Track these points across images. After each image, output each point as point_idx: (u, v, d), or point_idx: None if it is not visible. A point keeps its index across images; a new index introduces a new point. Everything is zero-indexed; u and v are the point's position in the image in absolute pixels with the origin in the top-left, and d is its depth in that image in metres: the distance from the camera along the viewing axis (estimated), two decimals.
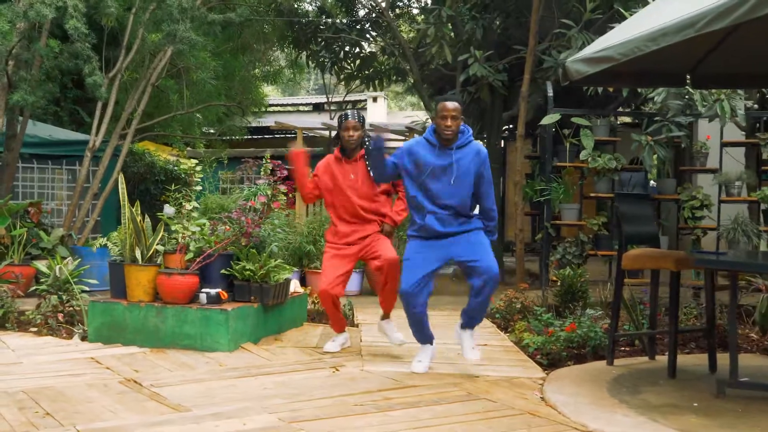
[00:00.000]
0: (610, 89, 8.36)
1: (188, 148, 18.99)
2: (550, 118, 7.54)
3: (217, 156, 12.99)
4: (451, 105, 4.70)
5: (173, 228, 5.68)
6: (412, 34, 13.31)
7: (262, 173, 10.06)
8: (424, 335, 5.00)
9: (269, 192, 5.76)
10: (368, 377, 4.72)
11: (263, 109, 14.84)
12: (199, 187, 5.81)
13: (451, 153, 4.76)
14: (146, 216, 5.93)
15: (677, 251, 5.80)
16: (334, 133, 6.03)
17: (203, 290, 5.62)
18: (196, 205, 5.71)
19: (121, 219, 5.80)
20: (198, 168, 5.72)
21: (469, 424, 3.77)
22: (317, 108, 27.10)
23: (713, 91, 6.82)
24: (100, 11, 8.11)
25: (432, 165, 4.75)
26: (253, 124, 16.12)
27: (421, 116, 14.67)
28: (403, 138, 14.08)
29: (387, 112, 28.07)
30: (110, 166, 9.88)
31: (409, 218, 4.95)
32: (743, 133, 8.76)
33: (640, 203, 5.71)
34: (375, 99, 25.86)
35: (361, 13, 13.39)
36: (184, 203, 5.58)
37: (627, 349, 5.97)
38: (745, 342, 6.15)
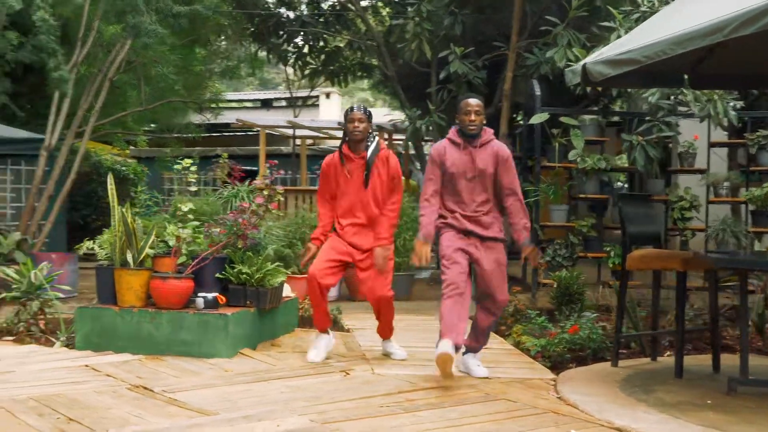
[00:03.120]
0: (598, 89, 8.77)
1: (131, 147, 19.01)
2: (538, 117, 7.90)
3: (176, 154, 13.09)
4: (474, 101, 5.18)
5: (167, 230, 5.84)
6: (379, 29, 13.60)
7: (217, 175, 10.19)
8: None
9: (266, 192, 5.96)
10: (383, 380, 4.98)
11: (219, 105, 14.96)
12: (194, 188, 5.98)
13: (475, 150, 5.14)
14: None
15: (684, 251, 6.20)
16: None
17: (200, 294, 5.79)
18: (192, 206, 5.88)
19: (111, 221, 5.93)
20: (193, 168, 5.88)
21: (499, 422, 4.06)
22: (265, 104, 27.22)
23: (705, 91, 7.27)
24: (66, 1, 8.18)
25: (459, 163, 5.11)
26: (211, 121, 16.23)
27: (397, 116, 14.85)
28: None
29: (341, 109, 28.32)
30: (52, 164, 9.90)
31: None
32: (725, 133, 9.29)
33: (643, 203, 6.09)
34: (328, 95, 26.12)
35: (326, 5, 13.63)
36: (180, 205, 5.74)
37: (624, 351, 6.35)
38: (736, 343, 6.58)
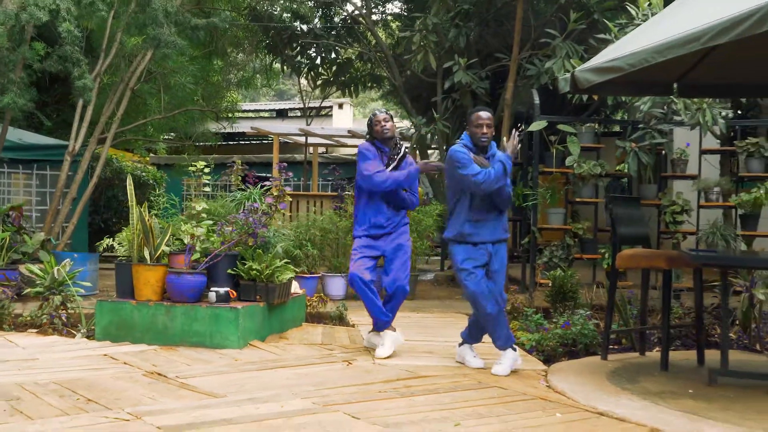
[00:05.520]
0: (594, 97, 8.88)
1: (151, 155, 19.22)
2: (537, 125, 8.04)
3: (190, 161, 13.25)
4: (485, 114, 5.25)
5: (182, 228, 6.01)
6: (388, 41, 13.78)
7: (232, 180, 10.33)
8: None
9: (275, 193, 6.12)
10: (383, 369, 5.13)
11: (236, 114, 15.14)
12: (207, 189, 6.14)
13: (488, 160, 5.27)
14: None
15: (670, 250, 6.31)
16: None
17: (212, 289, 5.96)
18: (206, 206, 6.04)
19: (130, 219, 6.10)
20: (207, 170, 6.05)
21: (489, 407, 4.20)
22: (280, 114, 27.42)
23: (695, 99, 7.38)
24: (91, 14, 8.37)
25: None
26: (227, 130, 16.40)
27: (403, 124, 15.02)
28: None
29: (353, 119, 28.51)
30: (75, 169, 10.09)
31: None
32: (718, 141, 9.39)
33: (632, 205, 6.21)
34: (341, 106, 26.26)
35: (338, 18, 13.84)
36: (194, 204, 5.91)
37: (615, 347, 6.47)
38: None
